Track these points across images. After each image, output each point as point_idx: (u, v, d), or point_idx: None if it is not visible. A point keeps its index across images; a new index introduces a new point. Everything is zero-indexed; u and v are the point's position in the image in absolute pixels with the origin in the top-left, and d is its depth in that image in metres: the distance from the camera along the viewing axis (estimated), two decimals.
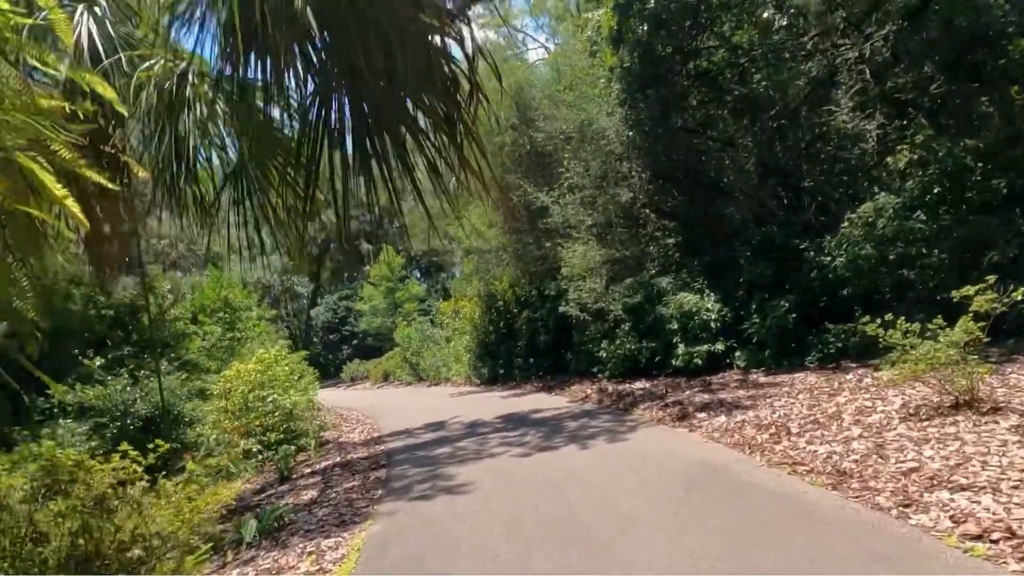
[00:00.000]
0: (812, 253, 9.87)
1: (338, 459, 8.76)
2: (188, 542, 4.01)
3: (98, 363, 8.52)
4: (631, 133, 12.35)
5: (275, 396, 10.82)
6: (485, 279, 16.65)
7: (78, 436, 7.89)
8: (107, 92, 3.73)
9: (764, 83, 10.98)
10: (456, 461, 7.34)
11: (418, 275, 51.55)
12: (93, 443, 7.69)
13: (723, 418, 7.09)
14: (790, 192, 11.51)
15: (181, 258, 31.86)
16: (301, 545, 4.98)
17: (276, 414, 10.59)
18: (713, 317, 10.68)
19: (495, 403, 12.78)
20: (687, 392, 9.25)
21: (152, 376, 9.82)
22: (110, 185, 4.15)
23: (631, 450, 6.57)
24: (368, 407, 16.77)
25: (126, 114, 5.81)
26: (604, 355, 11.96)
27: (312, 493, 6.82)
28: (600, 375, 12.42)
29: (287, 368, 11.93)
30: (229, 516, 5.63)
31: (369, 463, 8.04)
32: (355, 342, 39.59)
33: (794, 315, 9.62)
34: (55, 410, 8.69)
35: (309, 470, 8.47)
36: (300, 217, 6.45)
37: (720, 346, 10.55)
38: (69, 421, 8.04)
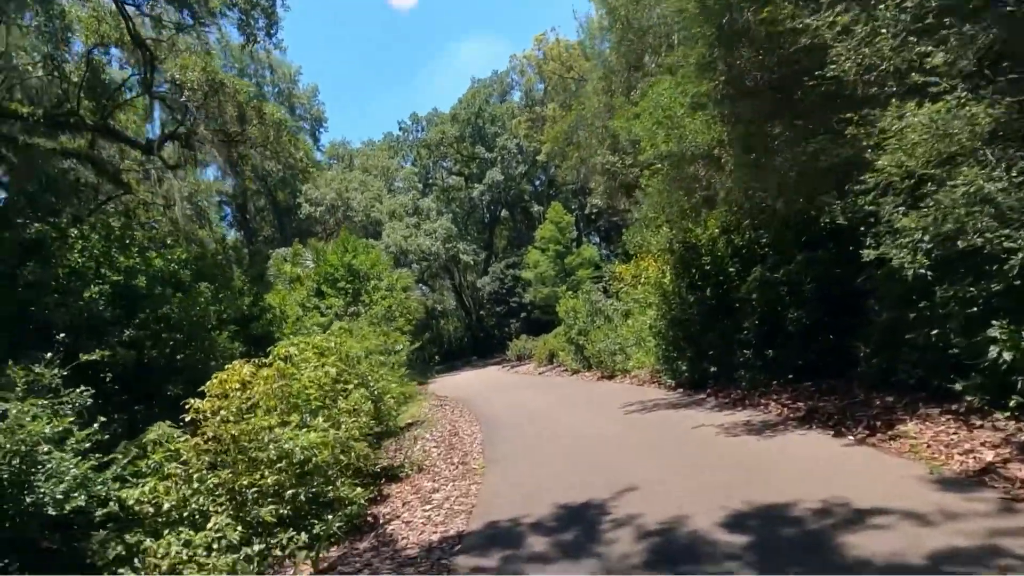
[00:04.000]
0: None
1: None
2: None
3: None
4: None
5: (286, 433, 5.83)
6: (677, 220, 9.91)
7: None
8: None
9: None
10: None
11: (597, 240, 45.42)
12: None
13: None
14: None
15: (339, 225, 29.84)
16: None
17: (280, 466, 5.60)
18: None
19: (712, 447, 6.47)
20: None
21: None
22: None
23: None
24: (503, 420, 11.44)
25: None
26: (1001, 354, 4.87)
27: None
28: (972, 399, 5.38)
29: (327, 373, 6.85)
30: None
31: None
32: (523, 315, 35.07)
33: None
34: None
35: None
36: None
37: None
38: None
